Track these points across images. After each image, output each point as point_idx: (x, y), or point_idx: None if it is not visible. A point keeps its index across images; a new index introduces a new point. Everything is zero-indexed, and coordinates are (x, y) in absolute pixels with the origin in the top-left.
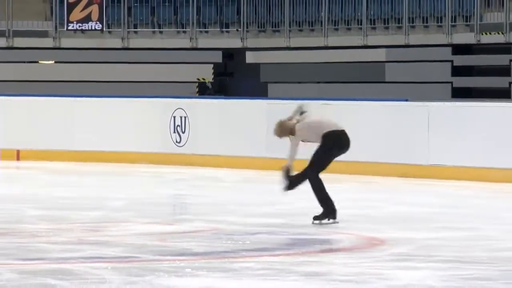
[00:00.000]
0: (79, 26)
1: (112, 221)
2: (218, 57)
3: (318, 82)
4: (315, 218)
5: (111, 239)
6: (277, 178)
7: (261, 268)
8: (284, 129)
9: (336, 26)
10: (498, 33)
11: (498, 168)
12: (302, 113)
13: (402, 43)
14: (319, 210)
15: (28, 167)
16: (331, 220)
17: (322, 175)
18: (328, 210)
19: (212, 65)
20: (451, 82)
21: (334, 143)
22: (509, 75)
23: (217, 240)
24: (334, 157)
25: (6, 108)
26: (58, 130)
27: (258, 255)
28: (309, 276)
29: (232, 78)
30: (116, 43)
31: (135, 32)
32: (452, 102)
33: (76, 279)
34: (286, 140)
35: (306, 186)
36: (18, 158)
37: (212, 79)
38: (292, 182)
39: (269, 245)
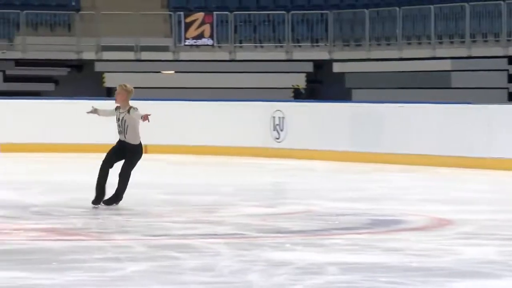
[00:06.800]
0: (194, 42)
1: (223, 204)
2: (309, 67)
3: (394, 88)
4: (105, 202)
5: (222, 219)
6: (361, 169)
7: (348, 244)
8: (127, 98)
9: (409, 41)
10: None
11: None
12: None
13: (465, 55)
14: (394, 195)
15: (155, 159)
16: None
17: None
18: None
19: (304, 74)
20: (507, 88)
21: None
22: None
23: (310, 220)
24: None
25: None
26: (179, 129)
27: (345, 233)
28: (389, 251)
29: (321, 85)
30: (225, 56)
31: (240, 46)
32: (509, 105)
33: (195, 252)
34: (370, 136)
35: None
36: (145, 151)
37: (305, 85)
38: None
39: (354, 225)
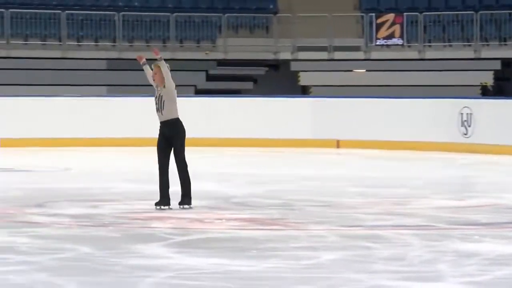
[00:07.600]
0: (385, 42)
1: (412, 196)
2: (497, 65)
3: None
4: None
5: (412, 211)
6: None
7: None
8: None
9: None
10: None
11: None
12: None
13: None
14: None
15: (347, 153)
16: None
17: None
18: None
19: (492, 72)
20: None
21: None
22: None
23: (498, 213)
24: None
25: (323, 108)
26: (370, 124)
27: None
28: None
29: (509, 82)
30: (414, 55)
31: (429, 46)
32: None
33: (386, 242)
34: None
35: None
36: (338, 146)
37: (492, 83)
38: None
39: None
